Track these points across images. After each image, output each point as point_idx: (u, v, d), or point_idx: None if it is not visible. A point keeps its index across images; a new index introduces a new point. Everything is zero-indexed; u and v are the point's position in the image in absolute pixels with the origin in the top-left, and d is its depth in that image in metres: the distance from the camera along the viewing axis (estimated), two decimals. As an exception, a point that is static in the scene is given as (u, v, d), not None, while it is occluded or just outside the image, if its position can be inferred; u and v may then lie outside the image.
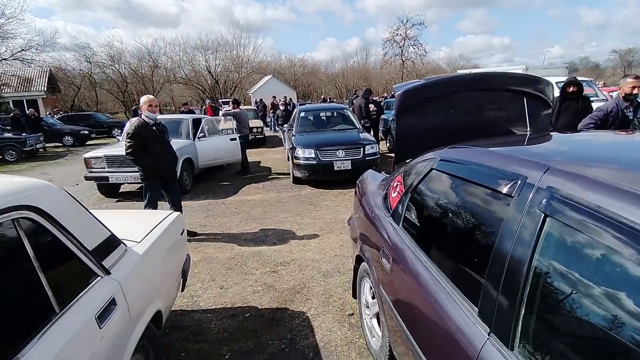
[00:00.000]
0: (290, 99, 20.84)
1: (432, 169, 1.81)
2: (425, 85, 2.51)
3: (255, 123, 14.16)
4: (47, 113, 24.34)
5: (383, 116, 11.19)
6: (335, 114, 8.84)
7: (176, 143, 7.19)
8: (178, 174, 6.51)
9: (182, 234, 2.66)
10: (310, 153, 6.92)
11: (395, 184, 2.20)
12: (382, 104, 12.84)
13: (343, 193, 6.59)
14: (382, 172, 3.00)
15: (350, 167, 6.84)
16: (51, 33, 31.57)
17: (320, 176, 7.01)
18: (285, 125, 8.60)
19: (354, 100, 18.14)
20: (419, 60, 44.13)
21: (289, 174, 8.25)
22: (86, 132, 17.83)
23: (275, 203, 6.19)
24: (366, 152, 6.99)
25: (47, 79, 30.14)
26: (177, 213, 2.71)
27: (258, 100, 23.51)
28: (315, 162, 6.84)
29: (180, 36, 50.65)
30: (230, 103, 8.46)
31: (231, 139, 8.26)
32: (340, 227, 4.82)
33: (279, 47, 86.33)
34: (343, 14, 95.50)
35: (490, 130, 2.67)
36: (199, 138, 7.72)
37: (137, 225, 2.33)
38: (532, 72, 9.69)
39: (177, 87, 44.03)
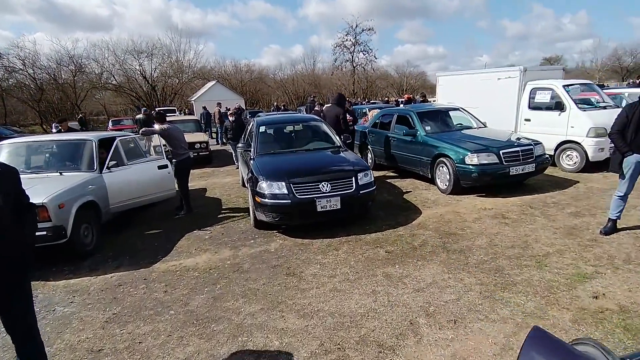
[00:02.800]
0: (241, 106, 18.32)
1: None
2: None
3: (197, 137, 11.60)
4: None
5: (356, 126, 9.27)
6: (305, 128, 6.70)
7: (70, 178, 4.66)
8: (72, 234, 3.99)
9: None
10: (281, 187, 4.71)
11: None
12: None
13: (333, 245, 4.46)
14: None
15: (339, 206, 4.72)
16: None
17: (296, 221, 4.84)
18: (239, 145, 6.28)
19: (311, 108, 16.21)
20: (370, 67, 43.54)
21: (246, 209, 5.97)
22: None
23: (231, 274, 3.89)
24: (360, 183, 4.93)
25: None
26: None
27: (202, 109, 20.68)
28: (289, 201, 4.64)
29: (110, 38, 45.14)
30: (154, 119, 5.99)
31: (160, 166, 5.78)
32: (358, 341, 2.67)
33: (222, 53, 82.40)
34: (285, 22, 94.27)
35: None
36: (109, 168, 5.18)
37: None
38: (530, 73, 8.30)
39: (110, 94, 39.29)
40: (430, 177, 6.82)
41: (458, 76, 9.83)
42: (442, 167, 6.44)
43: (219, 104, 17.24)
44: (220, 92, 32.69)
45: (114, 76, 35.77)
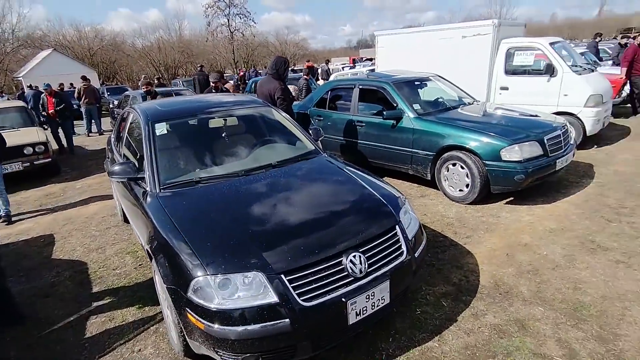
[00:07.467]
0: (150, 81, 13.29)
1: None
2: None
3: (28, 135, 7.20)
4: None
5: (297, 104, 6.47)
6: (244, 121, 3.68)
7: None
8: None
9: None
10: (257, 288, 1.88)
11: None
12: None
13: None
14: None
15: (388, 300, 2.16)
16: None
17: (304, 353, 2.07)
18: (115, 168, 2.86)
19: (206, 82, 12.56)
20: (249, 32, 39.44)
21: (146, 286, 2.96)
22: None
23: None
24: (408, 234, 2.40)
25: None
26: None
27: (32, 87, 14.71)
28: (286, 319, 1.86)
29: None
30: None
31: None
32: None
33: (56, 16, 65.93)
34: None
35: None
36: None
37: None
38: (504, 29, 6.70)
39: None
40: (429, 178, 4.69)
41: (407, 35, 7.78)
42: (455, 165, 4.34)
43: (86, 78, 11.93)
44: (59, 64, 25.18)
45: None
